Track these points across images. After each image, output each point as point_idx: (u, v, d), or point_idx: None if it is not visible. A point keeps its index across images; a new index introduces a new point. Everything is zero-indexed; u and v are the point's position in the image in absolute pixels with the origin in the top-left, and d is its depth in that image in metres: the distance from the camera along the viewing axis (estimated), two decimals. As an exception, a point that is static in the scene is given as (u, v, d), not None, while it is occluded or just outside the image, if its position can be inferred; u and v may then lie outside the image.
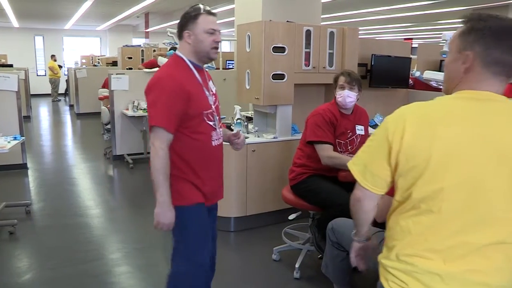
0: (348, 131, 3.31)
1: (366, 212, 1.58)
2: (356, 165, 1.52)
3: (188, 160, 2.21)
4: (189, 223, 2.27)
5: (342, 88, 3.26)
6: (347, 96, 3.24)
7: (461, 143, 1.29)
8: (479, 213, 1.30)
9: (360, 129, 3.39)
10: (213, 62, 7.96)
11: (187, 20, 2.24)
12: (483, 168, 1.28)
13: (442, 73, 3.54)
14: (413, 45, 10.35)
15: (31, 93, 13.30)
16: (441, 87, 3.77)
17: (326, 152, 3.19)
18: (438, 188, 1.31)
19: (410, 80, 5.35)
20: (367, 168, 1.48)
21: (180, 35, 2.28)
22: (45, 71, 18.55)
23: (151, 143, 2.11)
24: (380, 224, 2.01)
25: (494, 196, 1.28)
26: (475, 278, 1.31)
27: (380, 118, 4.96)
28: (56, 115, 13.07)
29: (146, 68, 7.92)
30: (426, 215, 1.35)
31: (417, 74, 4.99)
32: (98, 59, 15.19)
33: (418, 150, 1.32)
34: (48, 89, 17.07)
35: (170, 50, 8.02)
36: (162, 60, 7.89)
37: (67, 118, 12.71)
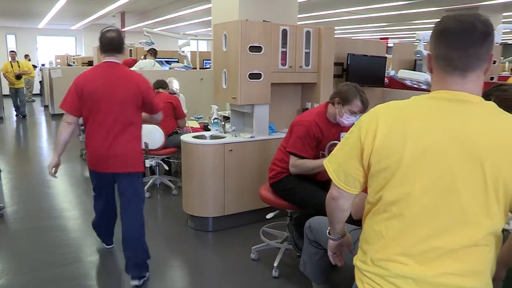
0: (335, 140, 3.29)
1: (341, 211, 1.60)
2: (331, 163, 1.53)
3: None
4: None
5: (353, 114, 3.14)
6: (351, 121, 3.15)
7: (432, 145, 1.29)
8: (450, 216, 1.29)
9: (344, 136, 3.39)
10: (190, 61, 7.94)
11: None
12: (455, 170, 1.27)
13: (416, 72, 3.61)
14: (389, 45, 10.51)
15: (3, 93, 12.98)
16: (415, 86, 3.84)
17: (292, 161, 3.22)
18: (408, 191, 1.32)
19: (385, 79, 5.43)
20: (341, 168, 1.49)
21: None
22: (18, 71, 18.13)
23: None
24: (356, 221, 2.04)
25: (466, 198, 1.27)
26: (448, 281, 1.31)
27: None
28: (30, 116, 12.80)
29: None
30: (397, 219, 1.35)
31: (392, 73, 5.07)
32: (73, 59, 14.96)
33: (390, 151, 1.33)
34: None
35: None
36: (141, 64, 7.82)
37: (41, 119, 12.47)
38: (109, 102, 3.01)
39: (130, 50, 11.16)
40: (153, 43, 8.85)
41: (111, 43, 3.07)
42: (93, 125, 3.06)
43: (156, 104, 3.34)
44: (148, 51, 8.27)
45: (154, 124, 3.68)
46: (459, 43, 1.29)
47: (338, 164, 1.50)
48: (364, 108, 3.11)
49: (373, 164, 1.38)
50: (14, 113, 12.39)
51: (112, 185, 3.35)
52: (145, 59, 8.35)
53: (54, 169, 3.21)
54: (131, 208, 3.26)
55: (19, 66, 11.71)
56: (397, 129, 1.34)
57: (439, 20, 1.38)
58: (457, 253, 1.30)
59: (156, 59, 8.33)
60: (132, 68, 7.59)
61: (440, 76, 1.36)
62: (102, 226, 3.70)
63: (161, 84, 5.64)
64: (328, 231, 1.77)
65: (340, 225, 1.69)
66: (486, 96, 2.58)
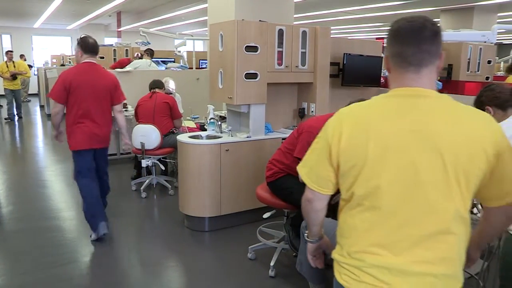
0: None
1: (316, 211, 1.64)
2: (303, 167, 1.61)
3: None
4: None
5: None
6: None
7: (394, 140, 1.36)
8: (418, 205, 1.36)
9: None
10: (186, 61, 7.94)
11: None
12: (417, 162, 1.34)
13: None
14: (385, 45, 10.53)
15: (-1, 93, 12.95)
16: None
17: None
18: (376, 184, 1.38)
19: (381, 78, 5.44)
20: (312, 170, 1.57)
21: None
22: (13, 71, 18.04)
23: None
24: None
25: (430, 187, 1.34)
26: (421, 269, 1.37)
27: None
28: (26, 115, 12.75)
29: (115, 68, 7.81)
30: (370, 211, 1.42)
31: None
32: (69, 59, 14.89)
33: (355, 149, 1.41)
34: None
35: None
36: (135, 63, 7.81)
37: (37, 119, 12.43)
38: (93, 94, 3.85)
39: (126, 50, 11.14)
40: (149, 43, 8.84)
41: (94, 46, 3.93)
42: (79, 111, 3.83)
43: (120, 96, 4.09)
44: (145, 51, 8.27)
45: (119, 117, 4.18)
46: (413, 40, 1.39)
47: (310, 168, 1.58)
48: None
49: (342, 164, 1.45)
50: (4, 116, 12.06)
51: (93, 162, 4.04)
52: (139, 58, 8.37)
53: (59, 136, 4.13)
54: (104, 170, 4.26)
55: (14, 66, 11.57)
56: (360, 129, 1.42)
57: (392, 23, 1.47)
58: (427, 241, 1.36)
59: (153, 59, 8.33)
60: (127, 67, 7.60)
61: (397, 74, 1.45)
62: (95, 203, 3.99)
63: (157, 84, 5.64)
64: (306, 234, 1.82)
65: (316, 227, 1.73)
66: (478, 98, 2.61)
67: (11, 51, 11.80)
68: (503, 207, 1.42)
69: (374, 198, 1.39)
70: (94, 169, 4.04)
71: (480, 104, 2.53)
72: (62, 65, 14.21)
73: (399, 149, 1.36)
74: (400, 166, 1.36)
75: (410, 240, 1.37)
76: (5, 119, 11.75)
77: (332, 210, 1.84)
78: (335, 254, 1.55)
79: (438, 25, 1.40)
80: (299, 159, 3.18)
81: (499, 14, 12.13)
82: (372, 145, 1.37)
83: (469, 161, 1.32)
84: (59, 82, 3.80)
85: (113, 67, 8.21)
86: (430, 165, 1.33)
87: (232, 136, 4.34)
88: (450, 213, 1.35)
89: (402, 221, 1.37)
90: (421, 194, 1.35)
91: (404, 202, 1.37)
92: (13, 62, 11.61)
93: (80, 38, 3.95)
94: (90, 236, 4.01)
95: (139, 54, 8.81)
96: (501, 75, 9.03)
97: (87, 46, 3.88)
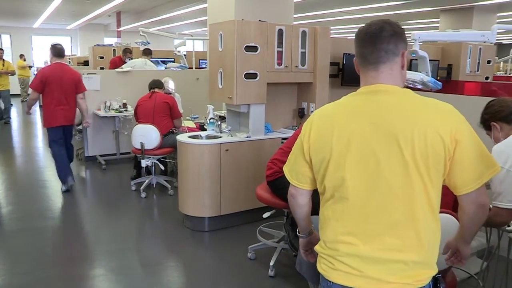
0: None
1: (300, 206, 1.76)
2: (286, 166, 1.74)
3: None
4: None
5: None
6: None
7: (355, 133, 1.46)
8: (382, 194, 1.43)
9: None
10: (185, 61, 7.93)
11: None
12: (377, 152, 1.42)
13: (412, 72, 3.61)
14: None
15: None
16: (410, 85, 3.85)
17: None
18: (342, 176, 1.47)
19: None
20: (293, 168, 1.70)
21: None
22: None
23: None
24: None
25: (391, 176, 1.41)
26: (390, 256, 1.42)
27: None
28: (25, 116, 12.75)
29: (113, 69, 7.84)
30: (340, 202, 1.50)
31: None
32: (69, 59, 14.88)
33: (322, 144, 1.53)
34: (17, 89, 16.60)
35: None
36: (131, 63, 7.82)
37: (37, 119, 12.42)
38: (61, 86, 5.24)
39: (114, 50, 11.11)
40: (148, 43, 8.85)
41: (61, 51, 5.41)
42: (52, 99, 5.23)
43: (82, 87, 5.49)
44: (143, 50, 8.29)
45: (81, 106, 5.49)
46: (370, 41, 1.51)
47: (291, 166, 1.71)
48: None
49: (313, 158, 1.57)
50: None
51: (62, 135, 5.44)
52: (125, 57, 8.50)
53: (29, 112, 5.80)
54: (70, 141, 5.66)
55: (3, 65, 11.03)
56: (326, 125, 1.54)
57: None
58: (395, 229, 1.42)
59: (152, 59, 8.34)
60: (124, 66, 7.64)
61: (361, 74, 1.57)
62: (64, 164, 5.48)
63: (157, 84, 5.64)
64: (297, 230, 1.90)
65: (303, 221, 1.83)
66: (482, 117, 2.57)
67: (1, 49, 11.43)
68: (471, 195, 1.45)
69: (342, 189, 1.48)
70: (63, 140, 5.46)
71: (485, 123, 2.50)
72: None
73: (360, 141, 1.45)
74: (362, 157, 1.44)
75: (378, 229, 1.44)
76: None
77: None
78: (316, 246, 1.63)
79: (399, 26, 1.52)
80: None
81: (498, 14, 12.14)
82: (336, 139, 1.48)
83: (425, 147, 1.37)
84: (37, 77, 5.30)
85: (111, 68, 8.26)
86: (390, 155, 1.41)
87: (231, 136, 4.34)
88: (414, 200, 1.40)
89: (369, 210, 1.45)
90: (384, 183, 1.42)
91: (369, 191, 1.44)
92: (3, 60, 11.00)
93: (51, 45, 5.37)
94: (61, 189, 5.46)
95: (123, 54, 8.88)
96: (501, 75, 9.03)
97: (55, 51, 5.34)
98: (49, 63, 5.56)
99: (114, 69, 8.17)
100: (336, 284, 1.52)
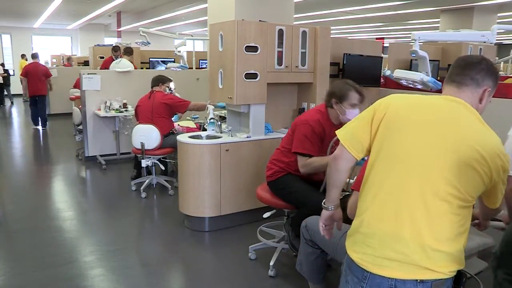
0: (333, 140, 3.26)
1: (339, 171, 1.77)
2: (343, 129, 1.77)
3: None
4: None
5: (354, 106, 3.09)
6: (355, 115, 3.01)
7: (420, 123, 1.61)
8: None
9: None
10: (186, 61, 7.93)
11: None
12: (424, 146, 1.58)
13: (412, 72, 3.62)
14: (385, 45, 10.53)
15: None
16: (411, 85, 3.85)
17: (302, 162, 3.20)
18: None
19: (381, 78, 5.44)
20: (350, 130, 1.74)
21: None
22: (13, 70, 18.05)
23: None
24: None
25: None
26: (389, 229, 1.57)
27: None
28: (26, 115, 12.75)
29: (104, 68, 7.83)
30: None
31: (388, 73, 5.06)
32: (68, 59, 14.87)
33: (396, 120, 1.64)
34: (18, 89, 16.58)
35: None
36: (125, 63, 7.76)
37: (37, 118, 12.39)
38: (36, 75, 9.75)
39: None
40: (149, 43, 8.85)
41: (35, 56, 10.07)
42: (32, 83, 9.70)
43: (49, 75, 10.11)
44: (123, 49, 8.23)
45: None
46: (464, 67, 1.69)
47: (348, 129, 1.75)
48: (362, 98, 3.11)
49: (380, 129, 1.65)
50: None
51: (36, 102, 9.95)
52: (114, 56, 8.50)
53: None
54: (41, 106, 10.05)
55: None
56: (407, 105, 1.66)
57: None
58: (412, 208, 1.58)
59: (152, 59, 8.32)
60: (111, 68, 7.68)
61: (443, 90, 1.73)
62: (35, 116, 10.09)
63: (160, 80, 5.55)
64: (323, 201, 1.89)
65: (335, 190, 1.83)
66: None
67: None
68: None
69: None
70: (36, 104, 9.93)
71: None
72: (63, 64, 14.22)
73: (419, 127, 1.59)
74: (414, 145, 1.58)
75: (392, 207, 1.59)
76: None
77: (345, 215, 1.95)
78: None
79: (495, 67, 1.70)
80: (298, 154, 3.20)
81: (499, 14, 12.14)
82: (411, 119, 1.61)
83: (466, 160, 1.52)
84: (24, 70, 9.77)
85: (102, 69, 8.28)
86: (434, 148, 1.54)
87: (232, 136, 4.33)
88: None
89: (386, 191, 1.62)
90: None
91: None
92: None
93: (32, 53, 9.93)
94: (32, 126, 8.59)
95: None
96: (501, 75, 9.02)
97: (33, 55, 9.99)
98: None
99: (104, 69, 8.18)
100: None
